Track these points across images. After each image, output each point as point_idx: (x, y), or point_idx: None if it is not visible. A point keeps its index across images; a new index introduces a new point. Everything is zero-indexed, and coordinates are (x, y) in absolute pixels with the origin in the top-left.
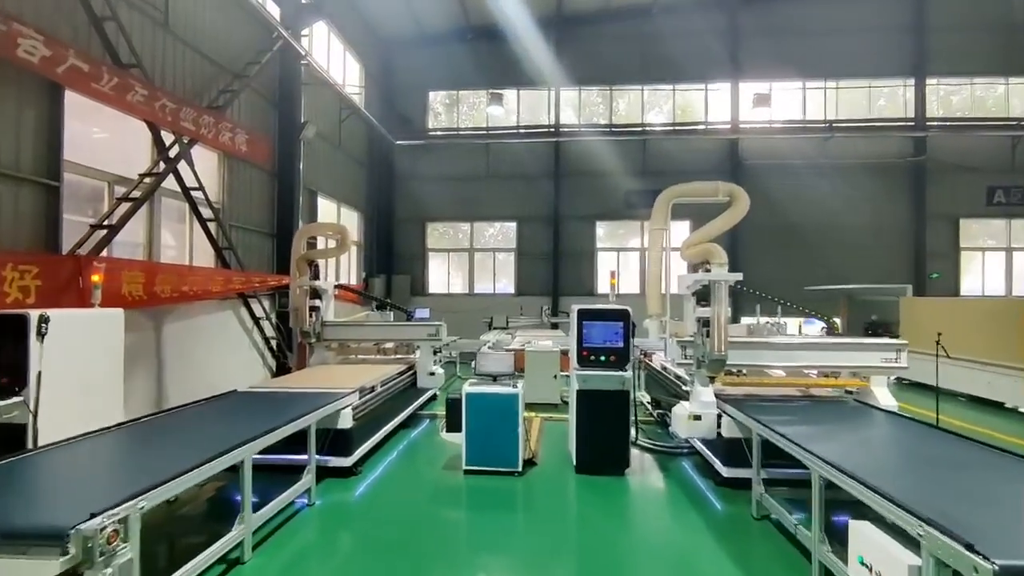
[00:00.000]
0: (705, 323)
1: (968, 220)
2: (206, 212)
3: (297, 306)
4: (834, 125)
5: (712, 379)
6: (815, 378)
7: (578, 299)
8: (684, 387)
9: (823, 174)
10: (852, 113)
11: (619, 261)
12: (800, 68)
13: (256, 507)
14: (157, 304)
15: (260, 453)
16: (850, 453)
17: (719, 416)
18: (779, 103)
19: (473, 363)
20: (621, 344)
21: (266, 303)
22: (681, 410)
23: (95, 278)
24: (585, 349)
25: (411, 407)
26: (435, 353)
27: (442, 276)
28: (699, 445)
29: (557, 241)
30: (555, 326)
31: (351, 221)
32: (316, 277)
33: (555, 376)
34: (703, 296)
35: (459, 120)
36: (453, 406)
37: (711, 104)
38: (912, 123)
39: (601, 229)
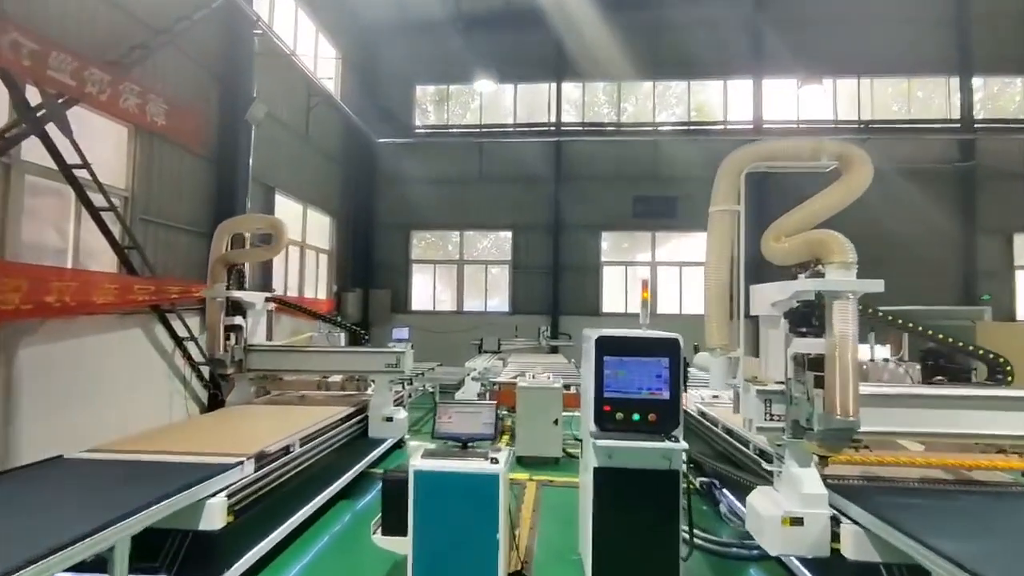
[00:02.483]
0: (811, 365)
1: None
2: (99, 200)
3: (211, 324)
4: (870, 126)
5: (825, 460)
6: (972, 455)
7: (581, 319)
8: (764, 464)
9: None
10: (888, 114)
11: (627, 276)
12: (830, 64)
13: None
14: None
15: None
16: None
17: (833, 519)
18: (807, 101)
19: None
20: (667, 395)
21: (195, 320)
22: (766, 505)
23: None
24: (608, 402)
25: (355, 468)
26: (404, 387)
27: (427, 291)
28: (796, 564)
29: (557, 253)
30: (555, 350)
31: (322, 226)
32: (241, 286)
33: (556, 421)
34: (804, 319)
35: (449, 117)
36: (393, 493)
37: (730, 103)
38: (957, 124)
39: (606, 242)
